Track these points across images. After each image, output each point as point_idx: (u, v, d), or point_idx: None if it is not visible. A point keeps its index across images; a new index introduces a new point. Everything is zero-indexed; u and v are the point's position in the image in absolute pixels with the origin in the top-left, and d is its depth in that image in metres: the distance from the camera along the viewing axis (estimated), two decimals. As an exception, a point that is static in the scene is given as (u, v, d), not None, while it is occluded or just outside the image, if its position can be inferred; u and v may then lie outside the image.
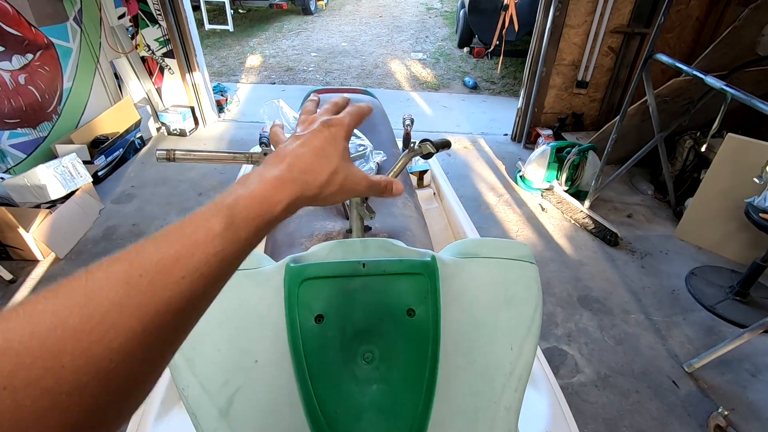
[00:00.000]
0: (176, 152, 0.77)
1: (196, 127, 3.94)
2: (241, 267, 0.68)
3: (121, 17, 3.39)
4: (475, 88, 5.35)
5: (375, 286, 0.65)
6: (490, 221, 2.89)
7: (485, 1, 5.57)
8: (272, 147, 0.51)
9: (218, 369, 0.64)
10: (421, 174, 1.99)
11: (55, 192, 2.40)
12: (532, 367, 0.70)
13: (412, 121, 1.73)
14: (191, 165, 3.22)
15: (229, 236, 0.34)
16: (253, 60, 6.06)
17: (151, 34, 3.51)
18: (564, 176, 3.03)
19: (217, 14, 7.73)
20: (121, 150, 3.27)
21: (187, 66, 3.63)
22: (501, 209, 3.02)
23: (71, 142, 2.89)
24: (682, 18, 3.28)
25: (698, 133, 2.99)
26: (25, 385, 0.23)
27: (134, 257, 0.30)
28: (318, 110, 0.49)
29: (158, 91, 3.80)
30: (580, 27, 3.39)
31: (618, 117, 2.61)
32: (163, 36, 3.50)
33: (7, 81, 2.55)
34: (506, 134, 4.16)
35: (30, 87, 2.70)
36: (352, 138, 1.48)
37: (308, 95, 1.91)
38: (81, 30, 3.08)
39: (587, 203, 2.90)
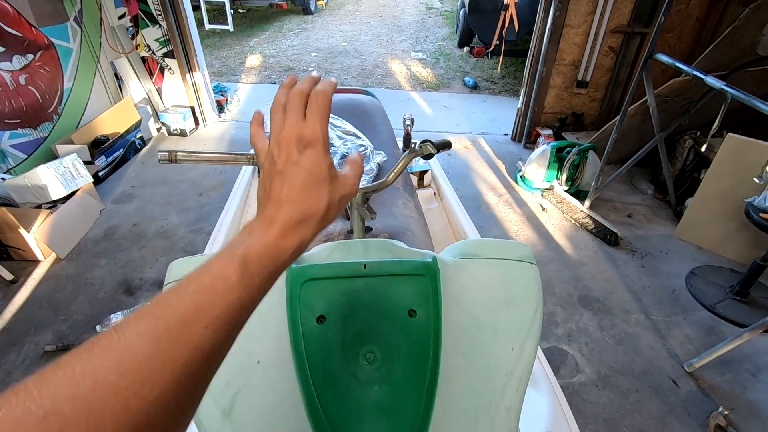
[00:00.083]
0: (178, 153, 0.78)
1: (197, 127, 3.94)
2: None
3: (121, 17, 3.39)
4: (475, 88, 5.35)
5: (376, 287, 0.66)
6: (491, 221, 2.89)
7: (485, 0, 5.57)
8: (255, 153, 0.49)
9: (220, 370, 0.64)
10: (422, 174, 2.00)
11: (56, 192, 2.40)
12: (532, 368, 0.70)
13: (412, 121, 1.74)
14: (192, 165, 3.22)
15: (246, 284, 0.35)
16: (253, 60, 6.06)
17: (151, 34, 3.51)
18: (564, 176, 3.03)
19: (217, 14, 7.73)
20: (121, 150, 3.27)
21: (188, 66, 3.63)
22: (501, 209, 3.03)
23: (72, 143, 2.89)
24: (682, 18, 3.28)
25: (698, 133, 2.99)
26: None
27: (159, 312, 0.32)
28: (289, 111, 0.43)
29: (158, 91, 3.80)
30: (580, 27, 3.39)
31: (618, 117, 2.61)
32: (164, 36, 3.50)
33: (7, 81, 2.55)
34: (506, 134, 4.16)
35: (30, 87, 2.70)
36: (353, 138, 1.48)
37: None
38: (81, 30, 3.08)
39: (587, 203, 2.90)
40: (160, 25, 3.45)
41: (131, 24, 3.44)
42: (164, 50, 3.58)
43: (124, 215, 2.76)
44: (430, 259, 0.69)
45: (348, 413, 0.60)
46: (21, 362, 1.82)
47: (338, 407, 0.60)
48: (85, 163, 2.71)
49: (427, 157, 1.02)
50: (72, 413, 0.25)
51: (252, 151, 1.10)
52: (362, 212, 0.95)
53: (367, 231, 1.07)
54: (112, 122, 3.24)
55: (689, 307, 2.27)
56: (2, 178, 2.40)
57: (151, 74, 3.71)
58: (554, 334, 2.07)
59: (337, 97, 1.87)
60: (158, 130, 3.85)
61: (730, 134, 2.40)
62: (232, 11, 6.02)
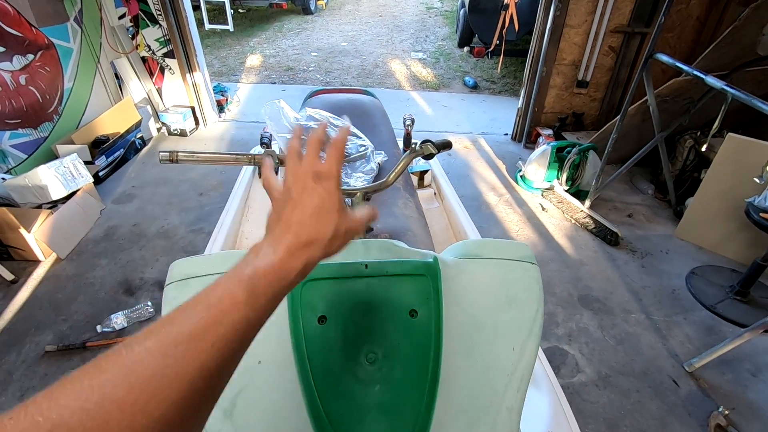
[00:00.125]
0: (179, 154, 0.78)
1: (197, 127, 3.94)
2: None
3: (121, 17, 3.39)
4: (475, 88, 5.35)
5: (377, 287, 0.66)
6: (491, 221, 2.89)
7: (485, 0, 5.57)
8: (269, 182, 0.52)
9: (221, 370, 0.64)
10: (422, 174, 1.99)
11: (56, 192, 2.40)
12: (533, 368, 0.70)
13: (412, 121, 1.73)
14: (192, 165, 3.22)
15: (252, 304, 0.37)
16: (254, 60, 6.06)
17: (151, 34, 3.51)
18: (564, 176, 3.03)
19: (217, 14, 7.73)
20: (121, 150, 3.27)
21: (188, 66, 3.63)
22: (501, 209, 3.03)
23: (72, 143, 2.89)
24: (682, 17, 3.28)
25: (698, 133, 2.99)
26: None
27: (168, 329, 0.33)
28: (303, 152, 0.49)
29: (159, 91, 3.80)
30: (580, 27, 3.39)
31: (618, 117, 2.61)
32: (164, 36, 3.50)
33: (7, 81, 2.55)
34: (506, 134, 4.16)
35: (31, 87, 2.70)
36: (354, 138, 1.48)
37: (309, 95, 1.92)
38: (81, 30, 3.08)
39: (588, 203, 2.90)
40: (161, 25, 3.45)
41: (131, 24, 3.44)
42: (164, 50, 3.58)
43: (125, 215, 2.76)
44: (431, 260, 0.69)
45: (349, 413, 0.60)
46: (21, 362, 1.82)
47: (339, 407, 0.60)
48: (86, 163, 2.71)
49: (428, 157, 1.02)
50: (78, 427, 0.26)
51: (252, 151, 1.10)
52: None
53: (368, 231, 1.07)
54: (112, 122, 3.24)
55: (689, 306, 2.27)
56: (3, 178, 2.40)
57: (151, 74, 3.71)
58: (554, 334, 2.07)
59: (337, 97, 1.87)
60: (158, 130, 3.85)
61: (730, 134, 2.40)
62: (232, 11, 6.02)
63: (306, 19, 8.20)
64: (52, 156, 2.79)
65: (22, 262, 2.32)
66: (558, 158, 3.04)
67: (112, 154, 3.17)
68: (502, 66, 5.81)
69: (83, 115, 3.16)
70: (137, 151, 3.51)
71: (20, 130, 2.66)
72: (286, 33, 7.33)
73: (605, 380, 1.87)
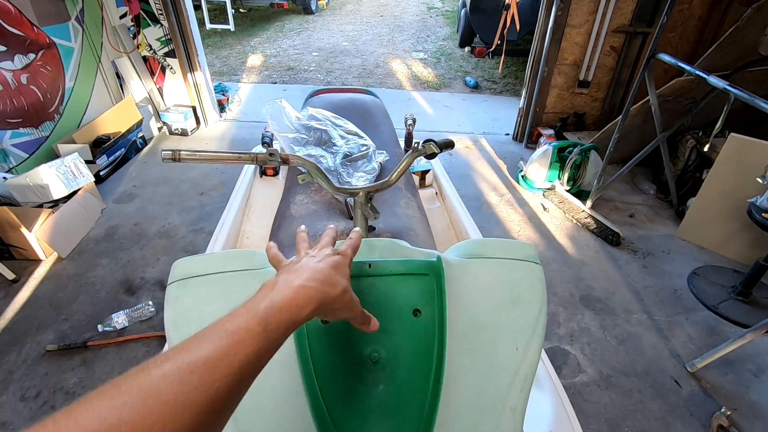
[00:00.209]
0: (182, 152, 0.77)
1: (198, 127, 3.94)
2: (248, 267, 0.68)
3: (122, 17, 3.39)
4: (476, 88, 5.34)
5: (381, 286, 0.65)
6: (492, 221, 2.89)
7: (487, 0, 5.56)
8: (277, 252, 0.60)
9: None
10: (424, 174, 1.99)
11: (58, 191, 2.40)
12: (537, 368, 0.70)
13: (414, 120, 1.73)
14: (193, 165, 3.22)
15: (265, 337, 0.39)
16: (254, 59, 6.06)
17: (152, 34, 3.50)
18: (566, 176, 3.03)
19: (218, 13, 7.73)
20: (122, 149, 3.27)
21: (189, 65, 3.63)
22: (503, 209, 3.02)
23: (73, 142, 2.89)
24: (684, 17, 3.28)
25: (700, 133, 2.99)
26: None
27: (184, 356, 0.34)
28: (321, 246, 0.57)
29: (160, 90, 3.80)
30: (582, 26, 3.39)
31: (620, 117, 2.60)
32: (165, 35, 3.50)
33: (9, 80, 2.55)
34: (508, 134, 4.15)
35: (32, 87, 2.70)
36: (355, 138, 1.48)
37: (310, 95, 1.92)
38: (83, 29, 3.08)
39: (589, 203, 2.89)
40: (162, 25, 3.45)
41: (133, 23, 3.44)
42: (165, 49, 3.58)
43: (126, 215, 2.76)
44: (434, 259, 0.68)
45: (352, 413, 0.60)
46: (22, 362, 1.82)
47: (343, 407, 0.60)
48: (87, 162, 2.71)
49: (431, 156, 1.02)
50: None
51: (255, 150, 1.10)
52: (365, 211, 0.94)
53: (370, 230, 1.07)
54: (113, 122, 3.24)
55: (691, 307, 2.26)
56: (4, 177, 2.40)
57: (152, 74, 3.71)
58: (556, 334, 2.07)
59: (338, 96, 1.86)
60: (159, 129, 3.85)
61: (732, 134, 2.39)
62: (233, 11, 6.01)
63: (307, 19, 8.20)
64: (54, 155, 2.79)
65: (23, 261, 2.32)
66: (559, 158, 3.04)
67: (113, 154, 3.17)
68: (503, 66, 5.80)
69: (84, 114, 3.16)
70: (138, 150, 3.51)
71: (21, 130, 2.66)
72: (287, 33, 7.33)
73: (607, 380, 1.86)
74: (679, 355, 1.99)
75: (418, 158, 1.04)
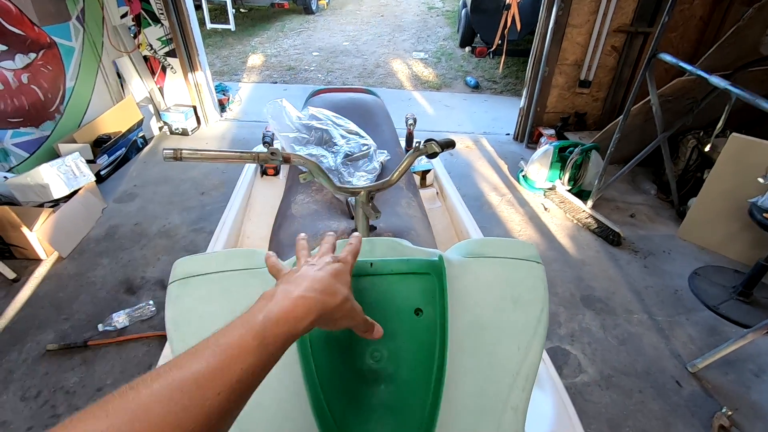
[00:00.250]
0: (183, 151, 0.77)
1: (198, 127, 3.94)
2: (248, 267, 0.68)
3: (123, 16, 3.39)
4: (477, 88, 5.34)
5: (383, 285, 0.65)
6: (493, 221, 2.89)
7: (487, 0, 5.56)
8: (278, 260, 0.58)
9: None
10: (424, 174, 1.99)
11: (59, 191, 2.40)
12: (538, 368, 0.70)
13: (414, 120, 1.73)
14: (193, 164, 3.22)
15: (261, 351, 0.37)
16: (255, 59, 6.06)
17: (153, 34, 3.51)
18: (567, 176, 3.02)
19: (218, 13, 7.73)
20: (123, 149, 3.27)
21: (190, 65, 3.63)
22: (504, 209, 3.02)
23: (74, 141, 2.90)
24: (685, 17, 3.27)
25: (701, 133, 2.98)
26: None
27: (175, 373, 0.33)
28: (321, 253, 0.57)
29: (160, 90, 3.81)
30: (582, 26, 3.38)
31: (621, 117, 2.60)
32: (166, 35, 3.50)
33: (10, 80, 2.55)
34: (508, 134, 4.15)
35: (33, 86, 2.70)
36: (356, 137, 1.48)
37: (311, 95, 1.92)
38: (84, 29, 3.08)
39: (590, 203, 2.89)
40: (163, 24, 3.45)
41: (133, 23, 3.44)
42: (166, 49, 3.58)
43: (126, 214, 2.76)
44: (436, 258, 0.68)
45: (354, 412, 0.60)
46: (23, 361, 1.82)
47: (344, 406, 0.60)
48: (87, 161, 2.71)
49: (432, 155, 1.02)
50: None
51: (256, 149, 1.11)
52: (367, 211, 0.94)
53: (372, 230, 1.07)
54: (114, 121, 3.24)
55: (692, 307, 2.26)
56: (5, 177, 2.40)
57: (153, 73, 3.71)
58: (557, 334, 2.07)
59: (339, 96, 1.86)
60: (160, 129, 3.85)
61: (733, 134, 2.39)
62: (233, 10, 6.02)
63: (307, 19, 8.20)
64: (54, 155, 2.79)
65: (23, 260, 2.32)
66: (560, 158, 3.04)
67: (113, 153, 3.17)
68: (503, 66, 5.80)
69: (85, 113, 3.16)
70: (139, 150, 3.51)
71: (22, 129, 2.66)
72: (288, 32, 7.33)
73: (608, 380, 1.86)
74: (680, 355, 1.99)
75: (419, 158, 1.04)
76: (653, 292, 2.35)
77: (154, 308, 2.06)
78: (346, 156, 1.42)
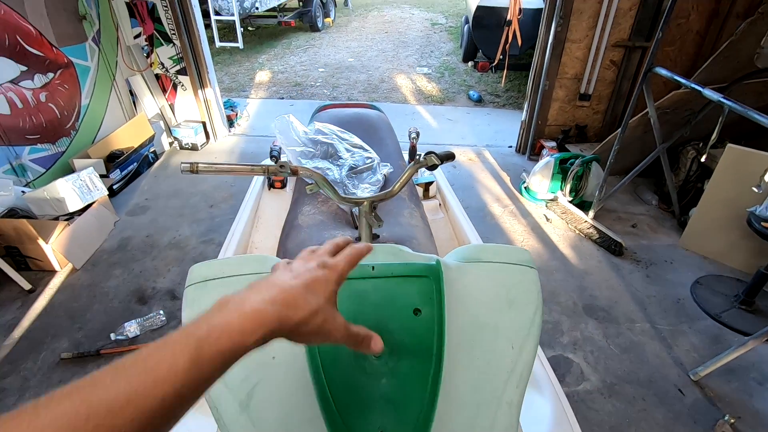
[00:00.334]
0: (199, 165, 0.84)
1: (207, 142, 4.05)
2: (260, 271, 0.74)
3: (137, 37, 3.53)
4: (479, 101, 5.43)
5: (384, 287, 0.70)
6: (496, 231, 2.93)
7: (489, 16, 5.69)
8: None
9: (238, 366, 0.69)
10: (427, 185, 2.05)
11: (73, 205, 2.49)
12: (532, 366, 0.74)
13: (417, 134, 1.80)
14: (203, 178, 3.30)
15: (193, 373, 0.33)
16: (262, 76, 6.21)
17: (165, 53, 3.63)
18: (568, 187, 3.07)
19: (227, 32, 7.93)
20: (135, 164, 3.37)
21: (200, 82, 3.74)
22: (506, 220, 3.06)
23: (88, 157, 3.00)
24: (682, 32, 3.34)
25: (701, 144, 3.02)
26: None
27: (87, 393, 0.28)
28: (320, 249, 0.52)
29: (171, 106, 3.92)
30: (581, 41, 3.46)
31: (620, 129, 2.65)
32: (177, 54, 3.63)
33: (29, 99, 2.67)
34: (511, 146, 4.21)
35: (50, 104, 2.82)
36: (360, 151, 1.54)
37: (317, 110, 1.99)
38: (99, 49, 3.21)
39: (591, 213, 2.93)
40: (174, 44, 3.58)
41: (146, 43, 3.57)
42: (177, 67, 3.70)
43: (138, 227, 2.84)
44: (434, 262, 0.73)
45: (357, 405, 0.64)
46: (38, 369, 1.87)
47: (348, 399, 0.64)
48: (101, 176, 2.81)
49: (432, 167, 1.07)
50: None
51: (264, 162, 1.17)
52: (370, 220, 1.00)
53: (374, 238, 1.12)
54: (126, 137, 3.35)
55: (694, 316, 2.28)
56: (22, 191, 2.49)
57: (164, 90, 3.83)
58: (559, 343, 2.09)
59: (344, 111, 1.94)
60: (170, 144, 3.95)
61: (729, 145, 2.43)
62: (242, 29, 6.19)
63: (313, 36, 8.39)
64: (69, 170, 2.89)
65: (39, 272, 2.39)
66: (561, 170, 3.09)
67: (126, 168, 3.26)
68: (505, 80, 5.90)
69: (99, 130, 3.27)
70: (150, 164, 3.61)
71: (39, 145, 2.77)
72: (294, 50, 7.51)
73: (610, 388, 1.88)
74: (682, 363, 2.00)
75: (422, 170, 1.09)
76: (655, 301, 2.37)
77: (164, 318, 2.11)
78: (351, 169, 1.48)
